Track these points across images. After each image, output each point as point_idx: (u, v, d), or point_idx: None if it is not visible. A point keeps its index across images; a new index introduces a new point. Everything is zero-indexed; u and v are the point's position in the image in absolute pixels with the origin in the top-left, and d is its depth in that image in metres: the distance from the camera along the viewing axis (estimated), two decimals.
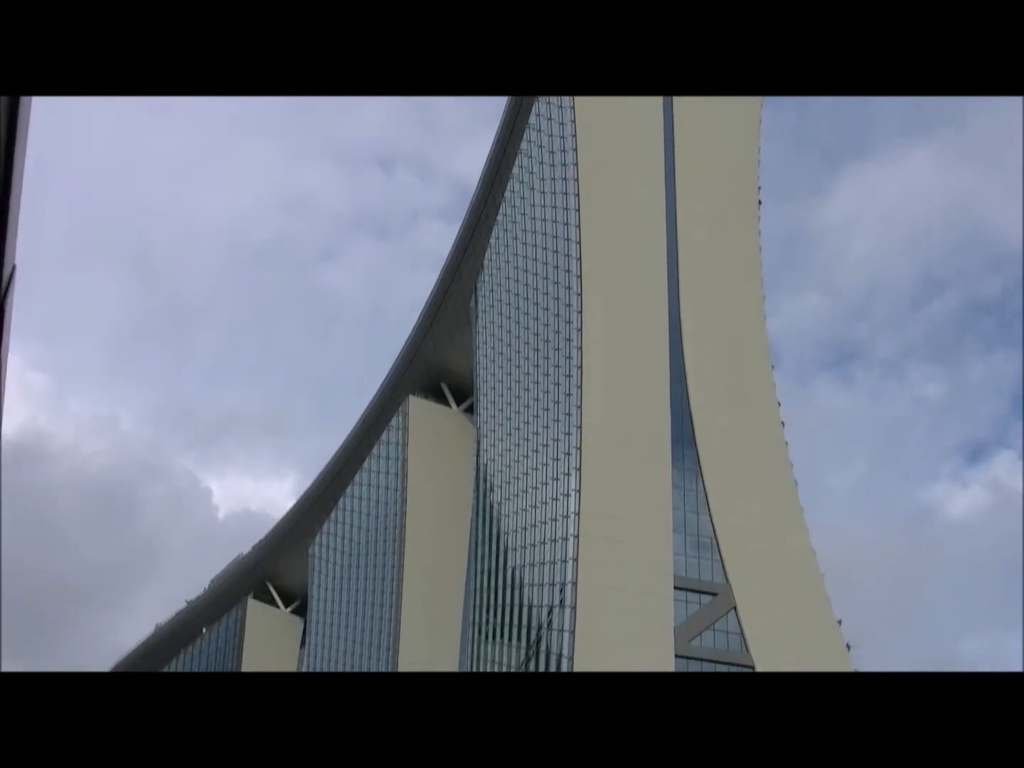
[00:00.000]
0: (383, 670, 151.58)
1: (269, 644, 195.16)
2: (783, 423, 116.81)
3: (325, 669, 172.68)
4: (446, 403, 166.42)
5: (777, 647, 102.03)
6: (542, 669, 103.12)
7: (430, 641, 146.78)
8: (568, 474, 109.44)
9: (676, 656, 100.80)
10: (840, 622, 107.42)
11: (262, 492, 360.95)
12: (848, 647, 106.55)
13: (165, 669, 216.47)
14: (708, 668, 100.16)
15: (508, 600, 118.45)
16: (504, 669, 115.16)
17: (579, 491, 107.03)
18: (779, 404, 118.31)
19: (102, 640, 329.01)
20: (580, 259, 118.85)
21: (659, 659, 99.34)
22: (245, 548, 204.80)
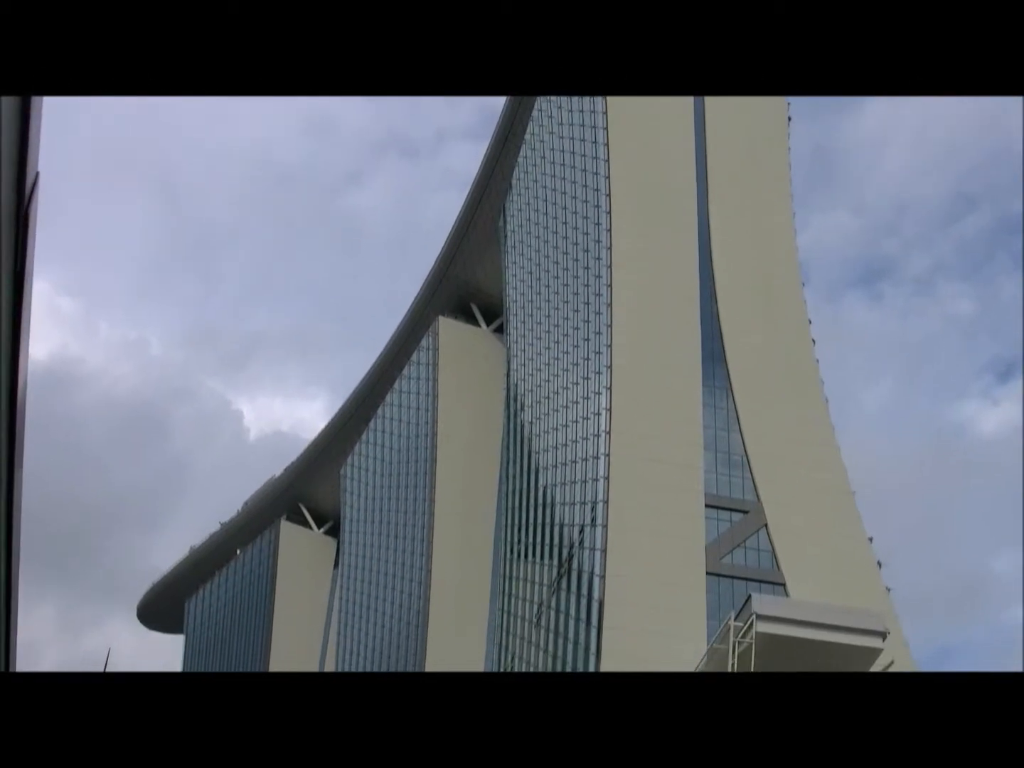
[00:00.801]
0: (416, 590, 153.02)
1: (303, 565, 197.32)
2: (813, 341, 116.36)
3: (359, 591, 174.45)
4: (476, 323, 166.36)
5: (808, 565, 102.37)
6: (574, 588, 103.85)
7: (462, 560, 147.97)
8: (599, 393, 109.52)
9: (707, 574, 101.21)
10: (871, 539, 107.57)
11: (293, 413, 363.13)
12: (879, 564, 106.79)
13: (200, 592, 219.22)
14: (739, 586, 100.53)
15: (540, 519, 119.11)
16: (536, 587, 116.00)
17: (610, 410, 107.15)
18: (809, 322, 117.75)
19: (137, 562, 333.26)
20: (609, 178, 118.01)
21: (690, 577, 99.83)
22: (277, 470, 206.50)
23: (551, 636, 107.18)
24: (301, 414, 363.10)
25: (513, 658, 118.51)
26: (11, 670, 12.28)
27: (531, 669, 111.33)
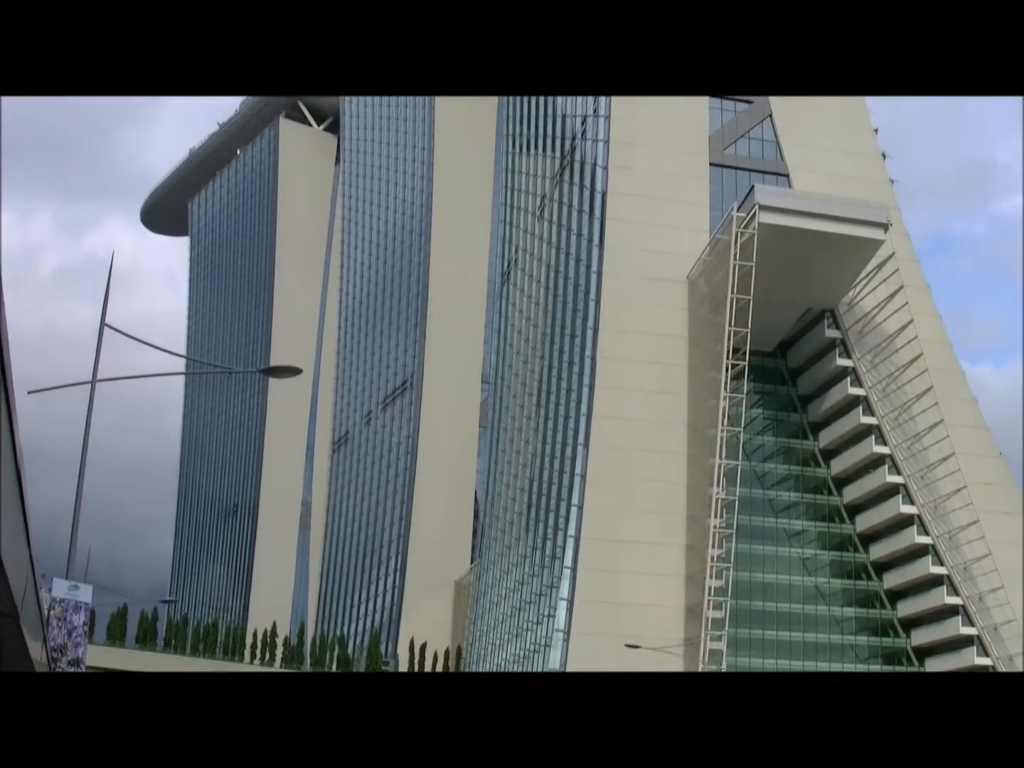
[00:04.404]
0: (420, 184, 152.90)
1: (304, 163, 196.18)
2: None
3: (361, 187, 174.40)
4: None
5: (812, 156, 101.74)
6: (577, 180, 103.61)
7: (465, 152, 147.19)
8: None
9: (711, 164, 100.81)
10: (876, 130, 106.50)
11: None
12: (883, 156, 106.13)
13: (203, 193, 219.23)
14: (743, 176, 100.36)
15: (542, 110, 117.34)
16: (539, 180, 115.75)
17: None
18: None
19: (135, 163, 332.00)
20: None
21: (693, 167, 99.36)
22: None
23: (555, 228, 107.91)
24: None
25: (517, 250, 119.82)
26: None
27: (536, 263, 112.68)
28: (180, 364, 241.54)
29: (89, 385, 27.77)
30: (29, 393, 27.33)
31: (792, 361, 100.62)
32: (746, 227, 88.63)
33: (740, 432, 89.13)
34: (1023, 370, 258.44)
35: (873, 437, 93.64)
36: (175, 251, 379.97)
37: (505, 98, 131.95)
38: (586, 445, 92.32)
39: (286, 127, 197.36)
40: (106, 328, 28.53)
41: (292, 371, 28.30)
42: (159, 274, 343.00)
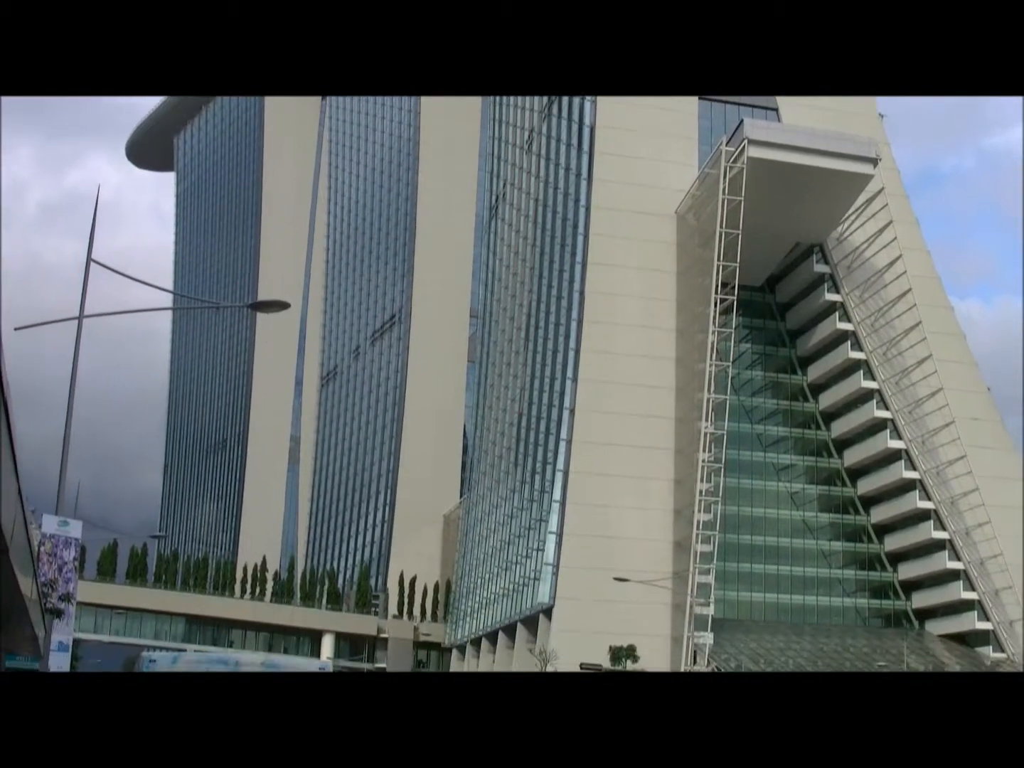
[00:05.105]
0: (405, 122, 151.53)
1: (291, 98, 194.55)
2: None
3: (349, 121, 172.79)
4: None
5: None
6: (565, 114, 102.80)
7: None
8: None
9: (700, 98, 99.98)
10: None
11: None
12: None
13: (189, 127, 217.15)
14: (732, 111, 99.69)
15: None
16: (527, 113, 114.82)
17: None
18: None
19: (119, 97, 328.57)
20: None
21: (683, 102, 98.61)
22: None
23: (543, 162, 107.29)
24: None
25: (506, 184, 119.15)
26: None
27: (524, 197, 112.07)
28: (167, 299, 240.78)
29: (76, 321, 27.62)
30: (16, 329, 27.19)
31: (781, 295, 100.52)
32: (735, 161, 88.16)
33: (728, 366, 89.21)
34: None
35: (861, 371, 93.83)
36: (161, 186, 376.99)
37: None
38: (574, 379, 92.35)
39: None
40: (92, 264, 28.34)
41: (280, 305, 28.11)
42: (145, 209, 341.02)
